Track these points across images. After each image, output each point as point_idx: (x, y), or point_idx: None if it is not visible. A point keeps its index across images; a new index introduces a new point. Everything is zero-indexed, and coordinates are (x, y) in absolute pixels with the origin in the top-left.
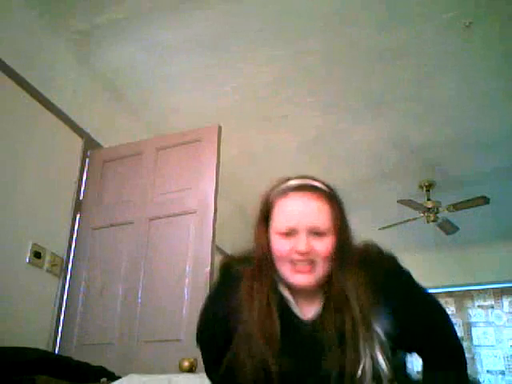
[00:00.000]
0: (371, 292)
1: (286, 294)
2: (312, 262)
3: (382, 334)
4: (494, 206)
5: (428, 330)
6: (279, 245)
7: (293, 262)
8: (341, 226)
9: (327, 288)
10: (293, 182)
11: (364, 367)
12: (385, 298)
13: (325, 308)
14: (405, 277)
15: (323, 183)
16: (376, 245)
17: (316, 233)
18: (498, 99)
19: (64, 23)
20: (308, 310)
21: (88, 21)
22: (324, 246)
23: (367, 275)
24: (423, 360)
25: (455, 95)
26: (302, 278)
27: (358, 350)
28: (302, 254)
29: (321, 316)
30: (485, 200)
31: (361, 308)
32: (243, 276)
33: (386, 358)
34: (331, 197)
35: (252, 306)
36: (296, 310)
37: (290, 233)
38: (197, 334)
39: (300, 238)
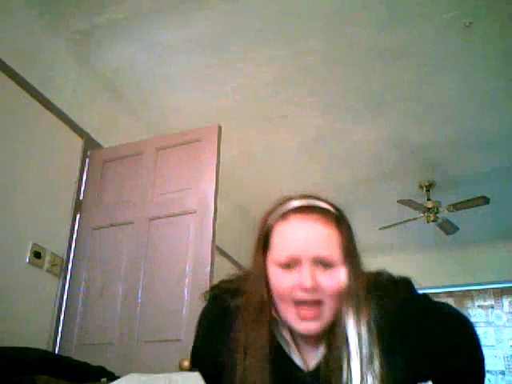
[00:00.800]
0: (384, 332)
1: (288, 338)
2: (319, 303)
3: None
4: (494, 206)
5: (454, 357)
6: (279, 280)
7: (297, 304)
8: (351, 255)
9: (331, 333)
10: (294, 203)
11: None
12: (400, 334)
13: (327, 356)
14: (421, 305)
15: (330, 203)
16: (388, 273)
17: (323, 264)
18: (497, 99)
19: (64, 23)
20: (311, 357)
21: (88, 21)
22: (333, 280)
23: (378, 310)
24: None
25: (455, 95)
26: (309, 326)
27: None
28: (306, 290)
29: (323, 366)
30: (485, 200)
31: (367, 358)
32: (238, 316)
33: None
34: (339, 220)
35: (246, 357)
36: (296, 358)
37: (291, 264)
38: (191, 359)
39: (304, 270)
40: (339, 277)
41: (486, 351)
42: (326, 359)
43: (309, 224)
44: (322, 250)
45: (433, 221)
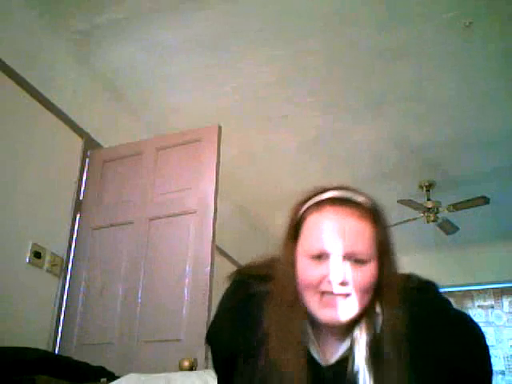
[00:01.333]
0: (408, 333)
1: (310, 331)
2: (346, 295)
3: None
4: (494, 206)
5: (468, 367)
6: (308, 271)
7: (323, 294)
8: (386, 251)
9: (358, 327)
10: (329, 194)
11: None
12: (421, 338)
13: (352, 351)
14: (444, 313)
15: (367, 197)
16: (416, 277)
17: (355, 259)
18: (497, 99)
19: (64, 23)
20: (331, 352)
21: (88, 21)
22: (364, 276)
23: (404, 311)
24: None
25: (455, 95)
26: (331, 314)
27: None
28: (335, 279)
29: (347, 361)
30: (485, 200)
31: (398, 354)
32: (263, 303)
33: None
34: (375, 215)
35: (279, 345)
36: (314, 351)
37: (321, 256)
38: (207, 337)
39: (334, 264)
40: (370, 273)
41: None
42: (351, 354)
43: (343, 217)
44: (355, 246)
45: (433, 221)
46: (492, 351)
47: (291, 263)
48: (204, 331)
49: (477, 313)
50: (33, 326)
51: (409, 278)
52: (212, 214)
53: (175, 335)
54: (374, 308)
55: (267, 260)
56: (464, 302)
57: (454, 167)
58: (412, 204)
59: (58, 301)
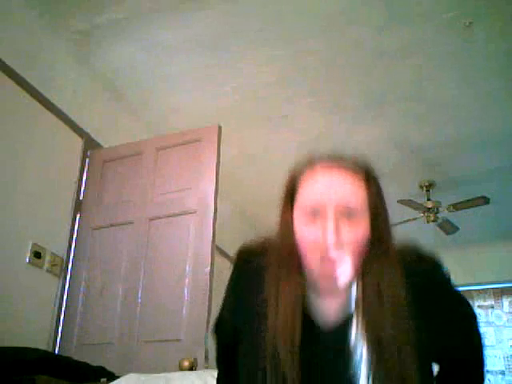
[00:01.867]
0: (408, 294)
1: (310, 294)
2: (342, 259)
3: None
4: (494, 206)
5: (463, 343)
6: (304, 231)
7: (319, 256)
8: (378, 208)
9: (357, 286)
10: (322, 156)
11: None
12: (420, 303)
13: (353, 312)
14: (445, 283)
15: (359, 156)
16: (416, 245)
17: (348, 213)
18: (498, 99)
19: (64, 23)
20: (330, 314)
21: (88, 21)
22: (358, 232)
23: (404, 275)
24: (443, 371)
25: (455, 95)
26: (328, 278)
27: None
28: (330, 242)
29: (347, 323)
30: (485, 200)
31: (398, 313)
32: (265, 271)
33: (425, 373)
34: (368, 173)
35: (278, 308)
36: (317, 316)
37: (316, 213)
38: (213, 326)
39: (328, 224)
40: (363, 228)
41: (485, 351)
42: (352, 315)
43: (336, 172)
44: (348, 198)
45: (433, 221)
46: (492, 351)
47: (289, 225)
48: (204, 331)
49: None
50: (33, 326)
51: (408, 246)
52: (212, 214)
53: (175, 335)
54: (371, 268)
55: (267, 237)
56: None
57: (454, 167)
58: (412, 204)
59: (57, 301)
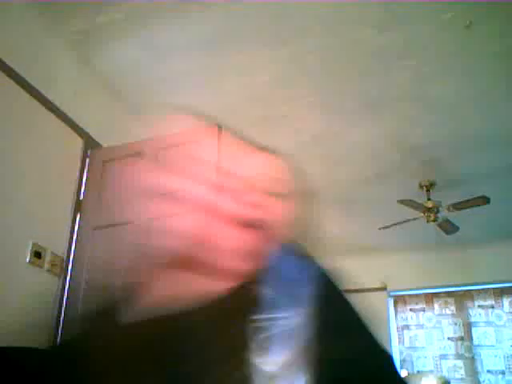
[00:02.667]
0: None
1: None
2: None
3: None
4: (494, 206)
5: None
6: None
7: None
8: None
9: None
10: None
11: None
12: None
13: None
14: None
15: None
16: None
17: None
18: (497, 99)
19: (64, 23)
20: None
21: (88, 21)
22: None
23: None
24: None
25: (455, 95)
26: None
27: None
28: None
29: None
30: (485, 200)
31: None
32: None
33: None
34: None
35: None
36: None
37: None
38: None
39: None
40: None
41: (486, 351)
42: None
43: None
44: None
45: (433, 221)
46: (492, 351)
47: None
48: None
49: (477, 313)
50: (33, 326)
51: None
52: None
53: None
54: None
55: None
56: (464, 302)
57: (454, 167)
58: (412, 204)
59: (58, 301)
